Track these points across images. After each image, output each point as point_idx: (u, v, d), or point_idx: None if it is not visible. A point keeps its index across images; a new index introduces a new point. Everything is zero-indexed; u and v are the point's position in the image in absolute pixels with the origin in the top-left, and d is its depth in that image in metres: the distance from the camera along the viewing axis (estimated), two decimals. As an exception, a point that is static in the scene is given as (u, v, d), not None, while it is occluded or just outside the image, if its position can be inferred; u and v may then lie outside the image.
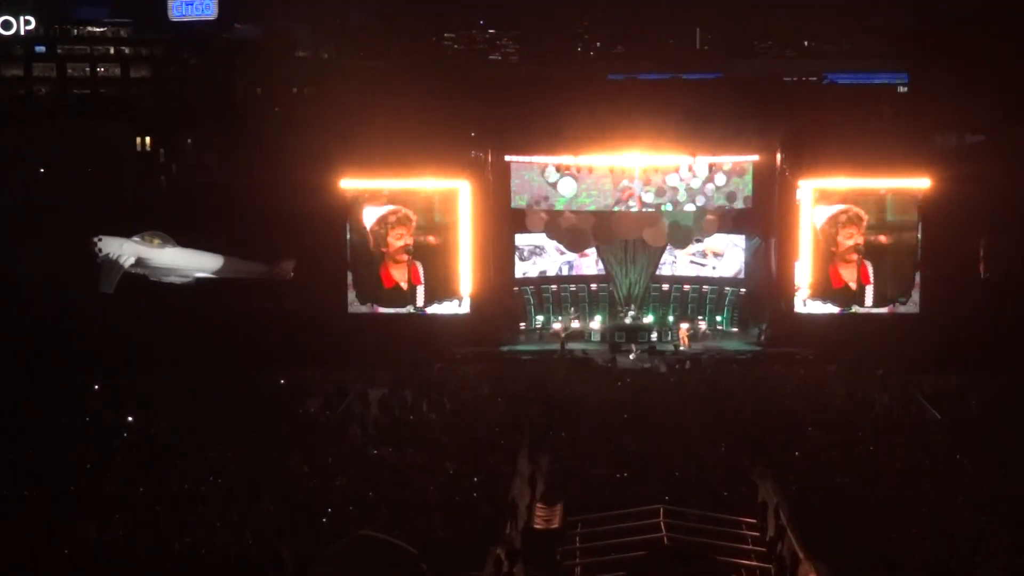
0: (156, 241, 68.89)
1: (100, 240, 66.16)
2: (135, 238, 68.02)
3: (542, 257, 75.84)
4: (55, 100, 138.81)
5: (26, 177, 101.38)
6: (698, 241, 74.48)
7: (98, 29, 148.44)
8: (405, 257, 72.05)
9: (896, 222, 70.71)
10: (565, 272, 76.16)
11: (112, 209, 78.22)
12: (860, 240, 70.59)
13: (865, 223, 70.52)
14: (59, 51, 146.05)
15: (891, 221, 70.74)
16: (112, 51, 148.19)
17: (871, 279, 70.91)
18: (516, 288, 75.03)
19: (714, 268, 75.44)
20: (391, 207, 71.94)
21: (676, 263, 75.58)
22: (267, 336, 65.71)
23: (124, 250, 66.87)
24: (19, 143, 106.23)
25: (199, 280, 71.13)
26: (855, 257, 70.77)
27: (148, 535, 41.28)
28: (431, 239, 72.16)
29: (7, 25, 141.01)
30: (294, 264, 72.57)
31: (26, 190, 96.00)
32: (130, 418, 55.16)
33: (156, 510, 43.67)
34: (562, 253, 75.54)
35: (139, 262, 67.79)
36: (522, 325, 74.77)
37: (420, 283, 72.32)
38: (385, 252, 72.44)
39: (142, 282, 69.71)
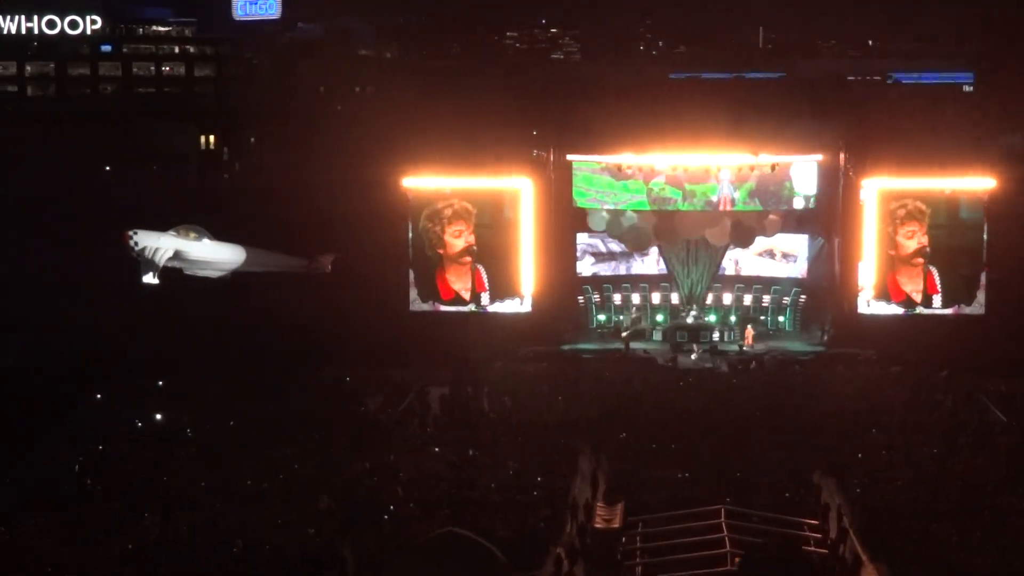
0: (192, 235, 69.13)
1: (136, 234, 66.41)
2: (171, 232, 68.39)
3: (586, 258, 75.45)
4: (121, 99, 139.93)
5: (91, 176, 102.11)
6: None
7: (163, 28, 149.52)
8: (468, 259, 71.89)
9: (965, 228, 69.94)
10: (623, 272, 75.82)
11: (176, 207, 78.59)
12: (924, 241, 69.85)
13: (927, 219, 69.79)
14: (125, 50, 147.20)
15: (959, 228, 69.97)
16: (177, 50, 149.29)
17: (939, 288, 70.16)
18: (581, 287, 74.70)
19: (789, 263, 74.61)
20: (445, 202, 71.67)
21: (740, 263, 75.05)
22: (329, 335, 65.95)
23: (161, 243, 67.17)
24: (85, 142, 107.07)
25: (252, 276, 71.53)
26: (919, 262, 70.02)
27: (209, 533, 41.60)
28: (493, 236, 71.63)
29: (74, 25, 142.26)
30: (333, 259, 72.79)
31: (90, 189, 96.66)
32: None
33: (218, 508, 43.99)
34: (607, 257, 75.11)
35: (176, 255, 68.07)
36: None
37: (485, 290, 71.99)
38: (443, 255, 72.04)
39: (203, 282, 70.20)
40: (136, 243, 66.22)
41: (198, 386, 60.08)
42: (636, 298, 74.71)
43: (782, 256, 74.74)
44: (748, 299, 74.49)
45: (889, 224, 69.85)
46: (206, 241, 69.60)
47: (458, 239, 71.54)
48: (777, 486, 46.63)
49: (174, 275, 68.94)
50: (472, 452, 50.82)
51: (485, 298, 71.99)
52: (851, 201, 70.80)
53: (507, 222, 71.50)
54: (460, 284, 71.76)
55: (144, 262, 66.49)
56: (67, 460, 49.29)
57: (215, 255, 70.27)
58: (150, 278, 66.57)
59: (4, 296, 73.41)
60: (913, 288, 70.12)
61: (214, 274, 70.78)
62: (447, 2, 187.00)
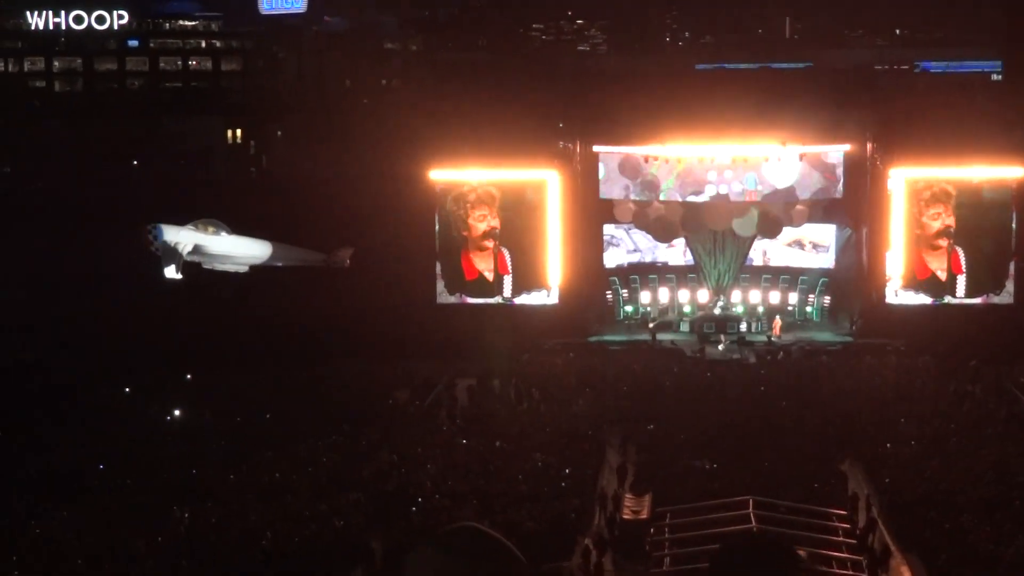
0: (211, 229, 69.38)
1: (155, 228, 66.57)
2: (190, 226, 68.57)
3: (618, 247, 75.40)
4: (148, 94, 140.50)
5: (118, 170, 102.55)
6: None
7: (189, 23, 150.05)
8: (490, 244, 71.81)
9: (990, 210, 69.69)
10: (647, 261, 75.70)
11: (202, 201, 78.88)
12: (949, 221, 69.55)
13: (954, 201, 69.43)
14: (151, 45, 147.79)
15: (985, 209, 69.72)
16: (203, 45, 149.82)
17: (963, 268, 69.90)
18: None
19: (820, 254, 74.38)
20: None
21: (769, 253, 74.86)
22: (356, 328, 66.08)
23: (181, 238, 67.37)
24: (112, 136, 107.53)
25: (278, 270, 71.72)
26: (944, 243, 69.75)
27: (237, 527, 41.71)
28: (517, 220, 71.44)
29: (101, 20, 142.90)
30: (351, 252, 72.85)
31: (117, 183, 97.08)
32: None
33: (246, 501, 44.09)
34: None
35: (196, 249, 68.26)
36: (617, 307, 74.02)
37: (508, 272, 71.92)
38: (467, 237, 71.95)
39: (229, 276, 70.42)
40: (155, 237, 66.39)
41: (225, 380, 60.23)
42: (664, 293, 74.45)
43: (812, 247, 74.49)
44: (776, 295, 74.07)
45: (915, 206, 69.54)
46: (225, 235, 69.77)
47: (481, 223, 71.44)
48: (805, 477, 46.49)
49: (198, 269, 69.19)
50: (500, 444, 50.83)
51: (508, 281, 71.87)
52: (879, 191, 70.52)
53: (531, 207, 71.28)
54: (484, 265, 71.71)
55: (165, 256, 66.69)
56: (94, 454, 49.41)
57: (235, 249, 70.50)
58: (172, 272, 66.81)
59: (29, 290, 73.80)
60: (938, 266, 69.81)
61: (233, 268, 70.98)
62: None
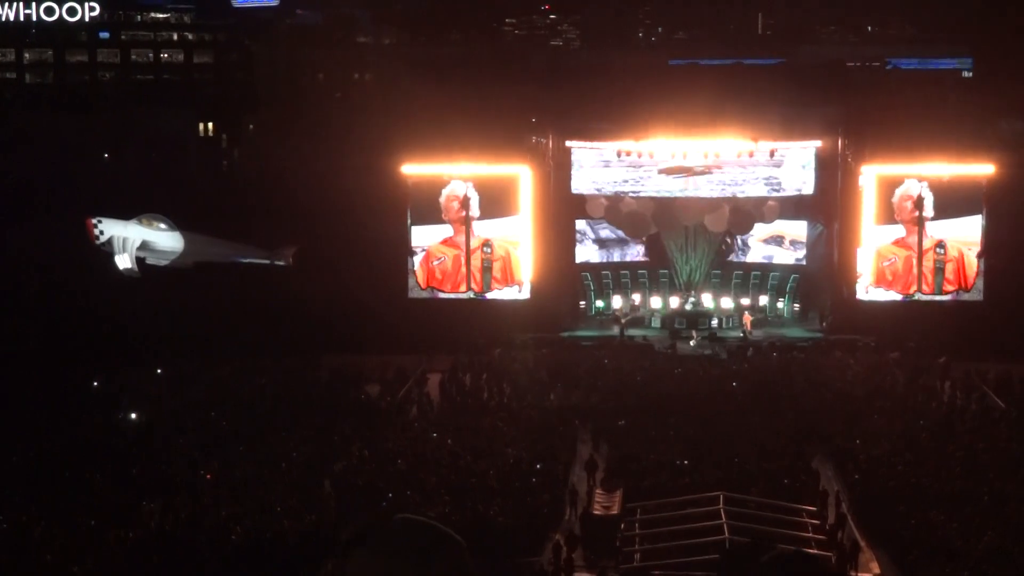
0: (156, 224, 68.58)
1: (101, 222, 65.75)
2: (134, 220, 67.83)
3: (584, 244, 75.47)
4: (119, 86, 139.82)
5: (89, 163, 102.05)
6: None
7: (161, 15, 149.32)
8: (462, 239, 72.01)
9: (959, 209, 70.00)
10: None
11: (175, 194, 78.50)
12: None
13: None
14: (123, 37, 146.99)
15: (954, 208, 70.00)
16: (175, 37, 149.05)
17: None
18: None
19: (798, 251, 74.53)
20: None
21: (743, 250, 74.93)
22: (329, 322, 65.98)
23: (129, 232, 66.67)
24: (84, 129, 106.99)
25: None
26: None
27: (209, 520, 41.65)
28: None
29: (72, 11, 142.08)
30: (295, 251, 72.49)
31: (89, 176, 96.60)
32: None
33: (218, 494, 44.03)
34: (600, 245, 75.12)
35: (143, 245, 67.59)
36: (582, 304, 74.09)
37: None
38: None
39: (202, 269, 70.10)
40: (102, 232, 65.61)
41: (198, 374, 60.09)
42: (636, 289, 74.47)
43: (790, 243, 74.54)
44: (747, 292, 74.13)
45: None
46: (170, 232, 68.98)
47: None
48: (776, 472, 46.68)
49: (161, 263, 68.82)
50: (471, 439, 50.85)
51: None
52: (850, 187, 70.75)
53: (503, 201, 71.39)
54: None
55: (111, 249, 65.91)
56: (66, 449, 49.23)
57: (179, 246, 69.68)
58: (125, 262, 66.11)
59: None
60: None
61: (176, 264, 70.08)
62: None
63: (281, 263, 72.32)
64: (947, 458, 47.40)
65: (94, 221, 65.83)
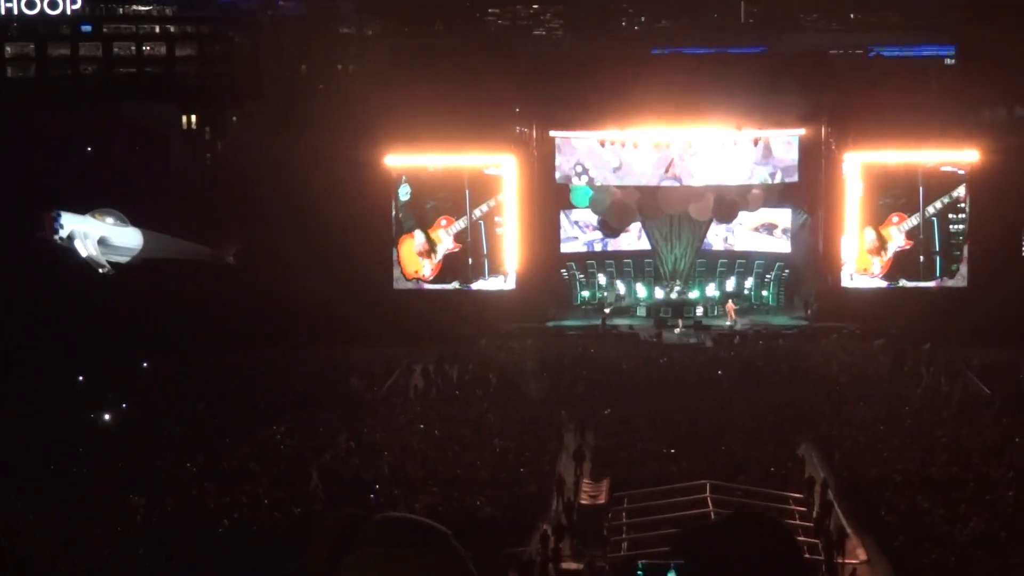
0: (109, 219, 67.82)
1: (60, 216, 64.73)
2: (88, 215, 67.04)
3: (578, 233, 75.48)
4: (101, 79, 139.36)
5: (73, 157, 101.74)
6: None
7: (144, 8, 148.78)
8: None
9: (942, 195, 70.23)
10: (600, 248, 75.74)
11: (158, 187, 78.39)
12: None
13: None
14: (105, 30, 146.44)
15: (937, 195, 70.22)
16: (158, 30, 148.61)
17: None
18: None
19: (786, 239, 74.58)
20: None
21: (731, 237, 74.88)
22: (314, 313, 65.90)
23: (88, 227, 65.96)
24: (66, 123, 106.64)
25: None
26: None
27: (195, 513, 41.58)
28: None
29: (53, 5, 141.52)
30: (236, 249, 72.02)
31: (73, 170, 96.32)
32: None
33: (204, 488, 43.96)
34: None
35: (101, 240, 66.94)
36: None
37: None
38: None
39: (185, 263, 69.88)
40: (62, 225, 64.73)
41: (183, 367, 60.01)
42: (621, 278, 74.43)
43: (782, 232, 74.44)
44: (732, 280, 74.12)
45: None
46: (114, 224, 68.10)
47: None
48: (762, 460, 46.74)
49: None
50: (458, 429, 50.84)
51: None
52: (833, 175, 70.86)
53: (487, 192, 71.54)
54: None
55: (81, 245, 65.08)
56: (51, 443, 49.14)
57: (129, 241, 68.86)
58: (91, 249, 65.28)
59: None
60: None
61: (124, 260, 69.22)
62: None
63: (224, 260, 71.68)
64: (932, 444, 47.51)
65: (53, 214, 64.67)
